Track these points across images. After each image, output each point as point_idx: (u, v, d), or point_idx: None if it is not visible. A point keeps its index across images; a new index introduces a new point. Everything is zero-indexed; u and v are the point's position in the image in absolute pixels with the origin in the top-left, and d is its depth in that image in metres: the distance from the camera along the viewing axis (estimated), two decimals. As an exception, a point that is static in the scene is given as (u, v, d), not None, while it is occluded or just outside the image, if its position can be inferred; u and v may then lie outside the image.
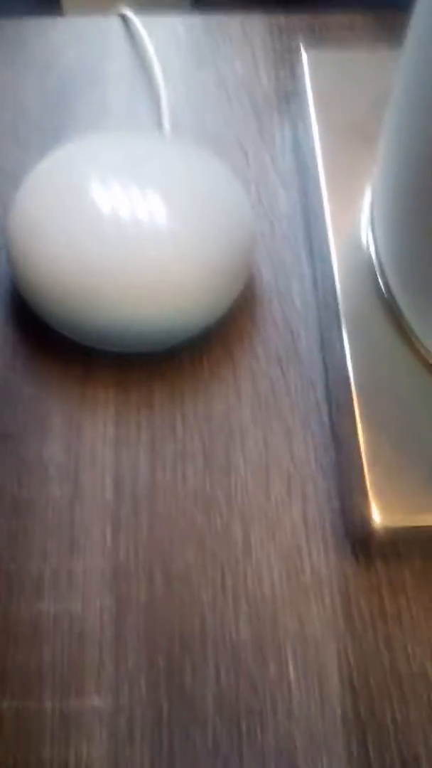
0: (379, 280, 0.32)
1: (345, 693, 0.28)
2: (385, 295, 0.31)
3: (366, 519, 0.28)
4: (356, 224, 0.33)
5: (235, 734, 0.27)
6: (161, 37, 0.42)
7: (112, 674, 0.28)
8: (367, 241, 0.32)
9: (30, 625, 0.29)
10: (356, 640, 0.29)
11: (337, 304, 0.31)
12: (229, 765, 0.27)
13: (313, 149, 0.35)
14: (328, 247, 0.32)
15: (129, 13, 0.43)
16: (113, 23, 0.43)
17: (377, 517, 0.28)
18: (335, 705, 0.28)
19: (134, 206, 0.30)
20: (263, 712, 0.28)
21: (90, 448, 0.32)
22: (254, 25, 0.43)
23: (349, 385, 0.30)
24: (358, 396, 0.30)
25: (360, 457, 0.29)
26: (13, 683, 0.28)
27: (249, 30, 0.43)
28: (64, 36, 0.43)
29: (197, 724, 0.28)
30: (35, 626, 0.29)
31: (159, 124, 0.39)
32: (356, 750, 0.27)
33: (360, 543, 0.30)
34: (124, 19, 0.43)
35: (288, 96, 0.41)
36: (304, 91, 0.37)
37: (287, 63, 0.41)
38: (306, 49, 0.38)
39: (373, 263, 0.32)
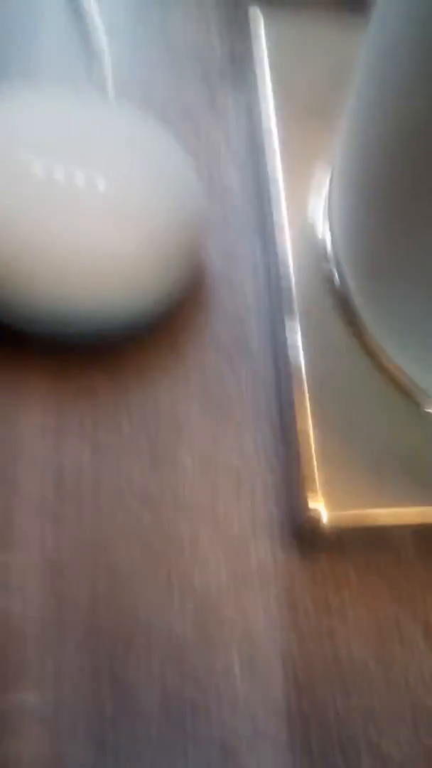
0: (334, 271, 0.31)
1: (289, 686, 0.28)
2: (339, 288, 0.31)
3: (312, 515, 0.28)
4: (313, 210, 0.32)
5: (179, 730, 0.28)
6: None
7: (53, 672, 0.28)
8: (323, 230, 0.31)
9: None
10: (300, 634, 0.29)
11: (290, 296, 0.30)
12: (174, 760, 0.27)
13: (268, 126, 0.33)
14: (282, 234, 0.31)
15: None
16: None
17: (323, 511, 0.28)
18: (279, 698, 0.28)
19: (69, 171, 0.28)
20: (208, 708, 0.28)
21: (28, 441, 0.30)
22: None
23: (300, 379, 0.30)
24: (308, 390, 0.29)
25: (307, 452, 0.29)
26: None
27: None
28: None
29: (141, 721, 0.27)
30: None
31: (99, 84, 0.36)
32: (299, 741, 0.28)
33: (306, 538, 0.30)
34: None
35: (242, 62, 0.38)
36: (260, 58, 0.35)
37: (242, 25, 0.39)
38: (261, 10, 0.36)
39: (327, 253, 0.31)
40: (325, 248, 0.31)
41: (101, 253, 0.28)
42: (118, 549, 0.29)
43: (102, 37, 0.37)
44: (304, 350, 0.30)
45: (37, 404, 0.31)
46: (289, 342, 0.30)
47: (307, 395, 0.29)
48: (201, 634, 0.29)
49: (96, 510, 0.30)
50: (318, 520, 0.28)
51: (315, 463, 0.29)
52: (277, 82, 0.34)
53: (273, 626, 0.29)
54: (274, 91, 0.34)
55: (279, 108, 0.34)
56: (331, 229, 0.31)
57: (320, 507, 0.28)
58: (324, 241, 0.31)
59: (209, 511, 0.30)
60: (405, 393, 0.30)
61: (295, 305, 0.30)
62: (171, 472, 0.31)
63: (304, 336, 0.30)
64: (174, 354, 0.32)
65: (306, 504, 0.29)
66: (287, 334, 0.31)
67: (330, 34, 0.35)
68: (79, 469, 0.30)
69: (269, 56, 0.34)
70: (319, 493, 0.28)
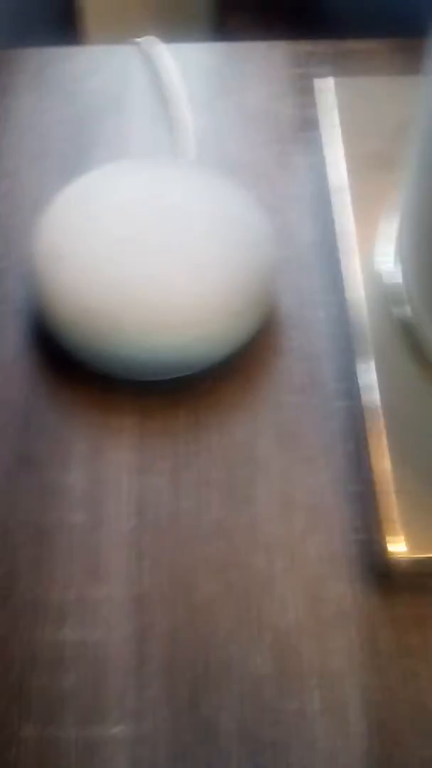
0: (407, 313, 0.31)
1: (369, 727, 0.28)
2: (412, 329, 0.31)
3: (390, 550, 0.28)
4: (379, 253, 0.33)
5: (256, 766, 0.27)
6: (184, 65, 0.43)
7: (134, 703, 0.28)
8: (394, 274, 0.32)
9: (53, 652, 0.29)
10: (380, 674, 0.28)
11: (359, 333, 0.31)
12: (251, 797, 0.27)
13: (335, 177, 0.35)
14: (350, 275, 0.33)
15: (151, 41, 0.43)
16: (135, 52, 0.44)
17: (401, 548, 0.28)
18: (359, 739, 0.28)
19: (156, 234, 0.31)
20: (286, 745, 0.27)
21: (113, 475, 0.32)
22: (277, 52, 0.43)
23: (371, 414, 0.30)
24: (381, 425, 0.30)
25: (383, 488, 0.29)
26: (36, 709, 0.28)
27: (272, 57, 0.43)
28: (87, 65, 0.43)
29: (219, 755, 0.27)
30: (58, 653, 0.29)
31: (181, 152, 0.39)
32: (380, 785, 0.27)
33: (384, 575, 0.30)
34: (147, 47, 0.43)
35: (311, 123, 0.41)
36: (327, 119, 0.37)
37: (310, 90, 0.42)
38: (328, 77, 0.38)
39: (395, 292, 0.32)
40: (392, 288, 0.32)
41: (183, 303, 0.30)
42: (197, 582, 0.30)
43: (184, 108, 0.40)
44: (379, 390, 0.30)
45: (123, 442, 0.33)
46: (363, 382, 0.31)
47: (384, 434, 0.30)
48: (279, 670, 0.29)
49: (176, 544, 0.31)
50: (398, 560, 0.28)
51: (394, 501, 0.29)
52: (344, 141, 0.36)
53: (352, 666, 0.29)
54: (340, 145, 0.36)
55: (345, 160, 0.35)
56: (403, 273, 0.32)
57: (400, 546, 0.28)
58: (395, 284, 0.32)
59: (286, 546, 0.31)
60: None
61: (369, 346, 0.31)
62: (248, 507, 0.31)
63: (379, 376, 0.31)
64: (250, 393, 0.33)
65: (385, 542, 0.29)
66: (361, 375, 0.31)
67: (392, 97, 0.37)
68: (160, 504, 0.31)
69: (335, 115, 0.37)
70: (399, 531, 0.28)
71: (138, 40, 0.44)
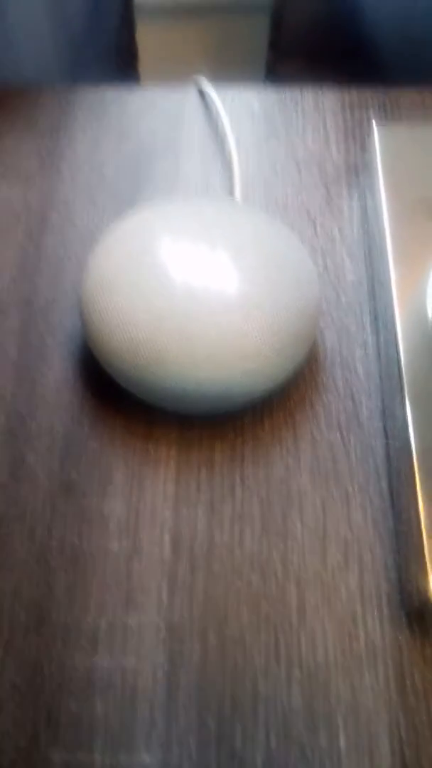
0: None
1: (396, 765, 0.28)
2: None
3: (423, 590, 0.28)
4: (421, 295, 0.33)
5: (283, 802, 0.27)
6: (235, 108, 0.44)
7: (162, 732, 0.28)
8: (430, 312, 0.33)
9: (84, 678, 0.29)
10: (409, 713, 0.28)
11: (400, 373, 0.32)
12: None
13: (380, 221, 0.36)
14: (392, 316, 0.33)
15: (205, 85, 0.44)
16: (189, 94, 0.45)
17: (434, 588, 0.28)
18: (386, 778, 0.28)
19: (205, 270, 0.31)
20: (312, 782, 0.28)
21: (150, 504, 0.32)
22: (326, 99, 0.44)
23: (410, 453, 0.30)
24: (419, 465, 0.30)
25: (419, 527, 0.29)
26: (66, 735, 0.28)
27: (321, 104, 0.44)
28: (142, 105, 0.44)
29: (245, 789, 0.27)
30: (89, 679, 0.29)
31: (230, 192, 0.40)
32: None
33: (416, 614, 0.30)
34: (200, 90, 0.45)
35: (357, 169, 0.42)
36: (374, 165, 0.38)
37: (357, 137, 0.43)
38: (376, 124, 0.39)
39: (435, 334, 0.32)
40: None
41: (228, 340, 0.31)
42: (228, 612, 0.30)
43: (234, 149, 0.41)
44: (413, 426, 0.31)
45: (162, 473, 0.33)
46: (400, 420, 0.31)
47: (417, 470, 0.30)
48: (307, 704, 0.29)
49: (209, 573, 0.31)
50: (428, 597, 0.28)
51: (425, 538, 0.29)
52: (390, 187, 0.37)
53: (381, 703, 0.29)
54: (386, 190, 0.36)
55: (390, 205, 0.36)
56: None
57: (430, 583, 0.28)
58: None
59: (317, 579, 0.31)
60: None
61: (406, 385, 0.31)
62: (281, 539, 0.32)
63: (414, 412, 0.31)
64: (288, 427, 0.34)
65: (417, 580, 0.29)
66: (398, 412, 0.32)
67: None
68: (194, 533, 0.32)
69: (382, 161, 0.37)
70: (430, 568, 0.28)
71: (192, 82, 0.45)
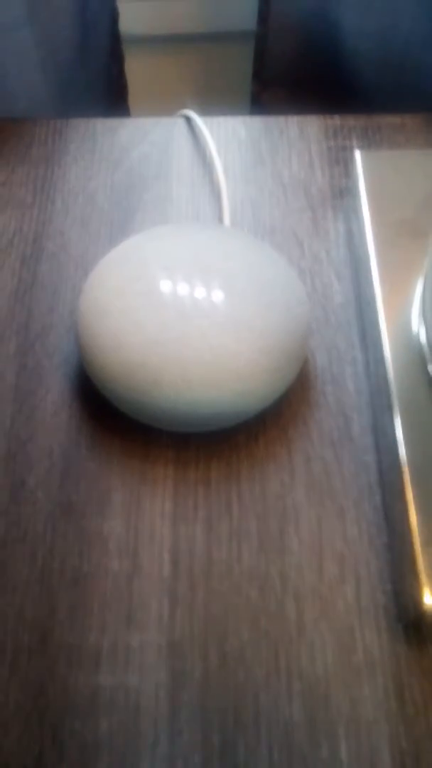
0: (430, 366, 0.33)
1: (397, 778, 0.28)
2: (435, 381, 0.32)
3: (418, 602, 0.29)
4: (407, 313, 0.34)
5: None
6: (222, 136, 0.45)
7: (166, 749, 0.29)
8: (418, 329, 0.34)
9: (88, 697, 0.30)
10: (409, 724, 0.29)
11: (389, 389, 0.32)
12: None
13: (365, 242, 0.37)
14: (380, 334, 0.34)
15: (192, 114, 0.45)
16: (177, 124, 0.46)
17: (429, 600, 0.28)
18: (387, 789, 0.28)
19: (196, 294, 0.32)
20: (315, 794, 0.28)
21: (149, 523, 0.33)
22: (310, 126, 0.45)
23: (401, 468, 0.31)
24: (411, 479, 0.31)
25: (412, 540, 0.29)
26: (71, 754, 0.29)
27: (305, 131, 0.45)
28: (132, 135, 0.45)
29: (249, 803, 0.28)
30: (93, 698, 0.30)
31: (220, 217, 0.41)
32: None
33: (412, 625, 0.31)
34: (188, 119, 0.46)
35: (342, 192, 0.43)
36: (357, 189, 0.39)
37: (341, 161, 0.44)
38: (359, 149, 0.40)
39: (424, 350, 0.33)
40: (421, 346, 0.33)
41: (221, 360, 0.31)
42: (229, 628, 0.31)
43: (222, 178, 0.42)
44: (404, 440, 0.31)
45: (159, 492, 0.34)
46: (389, 432, 0.32)
47: (408, 484, 0.30)
48: (308, 717, 0.29)
49: (208, 590, 0.31)
50: (424, 608, 0.28)
51: (419, 550, 0.29)
52: (374, 210, 0.38)
53: (380, 715, 0.29)
54: (370, 213, 0.37)
55: (375, 227, 0.37)
56: (426, 333, 0.33)
57: (426, 594, 0.28)
58: (419, 339, 0.33)
59: (315, 593, 0.31)
60: None
61: (395, 398, 0.32)
62: (278, 555, 0.32)
63: (405, 427, 0.32)
64: (282, 444, 0.35)
65: (413, 592, 0.29)
66: (389, 428, 0.32)
67: (420, 169, 0.39)
68: (193, 551, 0.32)
69: (365, 185, 0.38)
70: (424, 579, 0.29)
71: (180, 113, 0.46)
